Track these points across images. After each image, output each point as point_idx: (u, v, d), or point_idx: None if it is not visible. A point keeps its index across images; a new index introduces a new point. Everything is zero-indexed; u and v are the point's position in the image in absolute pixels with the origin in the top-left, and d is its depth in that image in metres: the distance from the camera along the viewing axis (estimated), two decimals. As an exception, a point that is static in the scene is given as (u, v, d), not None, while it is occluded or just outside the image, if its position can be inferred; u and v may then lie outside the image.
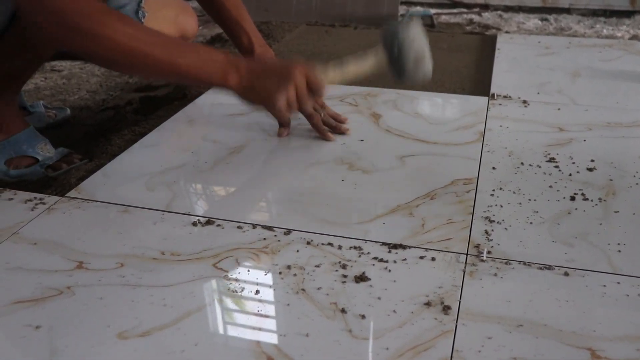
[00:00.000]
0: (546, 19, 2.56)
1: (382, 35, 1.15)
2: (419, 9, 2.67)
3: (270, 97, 1.06)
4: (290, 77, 1.06)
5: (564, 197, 1.07)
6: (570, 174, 1.15)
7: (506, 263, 0.90)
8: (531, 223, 1.00)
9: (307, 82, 1.08)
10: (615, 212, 1.03)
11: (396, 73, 1.16)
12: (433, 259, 0.91)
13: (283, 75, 1.06)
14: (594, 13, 2.64)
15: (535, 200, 1.07)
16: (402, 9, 2.60)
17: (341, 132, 1.33)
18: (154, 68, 0.99)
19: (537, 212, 1.03)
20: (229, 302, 0.83)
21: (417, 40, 1.13)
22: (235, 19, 1.35)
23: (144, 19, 1.32)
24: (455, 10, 2.69)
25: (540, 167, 1.18)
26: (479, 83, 1.70)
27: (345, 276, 0.87)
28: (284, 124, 1.34)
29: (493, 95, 1.56)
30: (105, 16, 0.93)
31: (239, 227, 0.99)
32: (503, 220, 1.01)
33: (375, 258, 0.91)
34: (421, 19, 1.12)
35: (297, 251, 0.93)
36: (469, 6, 2.73)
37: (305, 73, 1.08)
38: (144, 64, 0.98)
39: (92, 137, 1.40)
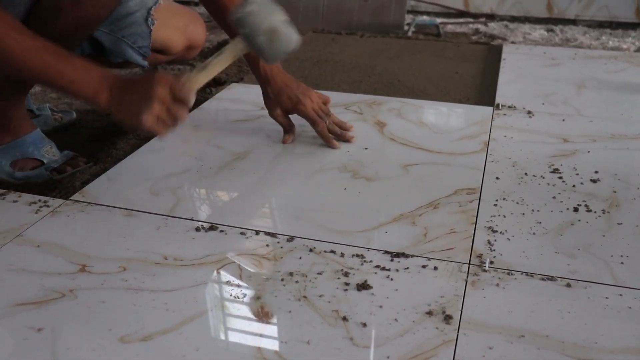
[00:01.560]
0: (552, 30, 2.57)
1: (234, 21, 1.08)
2: (425, 18, 2.67)
3: (137, 116, 0.99)
4: (151, 93, 0.99)
5: (568, 208, 1.07)
6: (574, 185, 1.15)
7: (508, 273, 0.90)
8: (534, 234, 1.00)
9: (172, 92, 1.01)
10: (618, 224, 1.03)
11: (260, 54, 1.10)
12: (435, 268, 0.91)
13: (144, 92, 0.99)
14: (600, 24, 2.64)
15: (538, 211, 1.07)
16: (408, 18, 2.60)
17: (346, 140, 1.33)
18: (28, 72, 0.97)
19: (540, 222, 1.03)
20: (231, 308, 0.83)
21: (263, 15, 1.06)
22: (227, 7, 1.32)
23: (152, 26, 1.33)
24: (461, 20, 2.70)
25: (544, 177, 1.18)
26: (484, 93, 1.70)
27: (347, 284, 0.87)
28: (285, 131, 1.34)
29: (498, 105, 1.56)
30: None
31: (242, 233, 0.99)
32: (506, 230, 1.01)
33: (377, 266, 0.91)
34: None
35: (300, 258, 0.93)
36: (475, 16, 2.74)
37: (168, 84, 1.01)
38: (19, 66, 0.96)
39: (98, 141, 1.40)
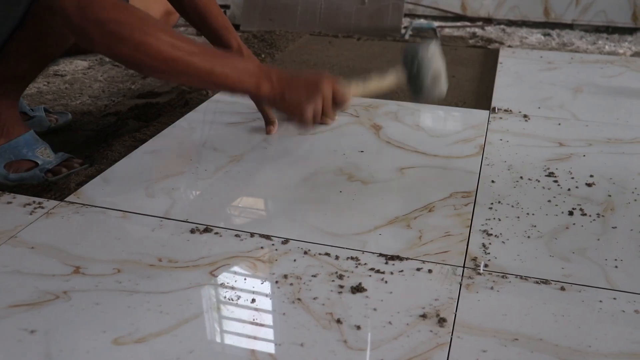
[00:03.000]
0: (549, 34, 2.57)
1: (403, 53, 1.21)
2: (422, 21, 2.68)
3: (299, 107, 1.08)
4: (319, 89, 1.09)
5: (563, 212, 1.08)
6: (569, 189, 1.16)
7: (503, 277, 0.90)
8: (529, 237, 1.00)
9: (334, 95, 1.11)
10: (613, 228, 1.03)
11: (414, 90, 1.22)
12: (430, 271, 0.91)
13: (312, 87, 1.09)
14: (597, 29, 2.65)
15: (533, 214, 1.07)
16: (405, 21, 2.61)
17: (325, 123, 1.42)
18: (194, 76, 1.02)
19: (535, 226, 1.03)
20: (225, 310, 0.83)
21: (435, 61, 1.19)
22: (222, 25, 1.37)
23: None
24: (458, 24, 2.70)
25: (539, 181, 1.18)
26: (480, 96, 1.70)
27: (341, 287, 0.87)
28: (269, 122, 1.40)
29: (494, 109, 1.56)
30: (147, 26, 0.97)
31: (236, 236, 0.99)
32: (501, 233, 1.01)
33: (372, 269, 0.91)
34: (439, 41, 1.20)
35: (295, 260, 0.93)
36: (472, 20, 2.75)
37: (333, 86, 1.11)
38: (185, 72, 1.01)
39: (93, 143, 1.40)
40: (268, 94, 1.08)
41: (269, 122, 1.41)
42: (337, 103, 1.13)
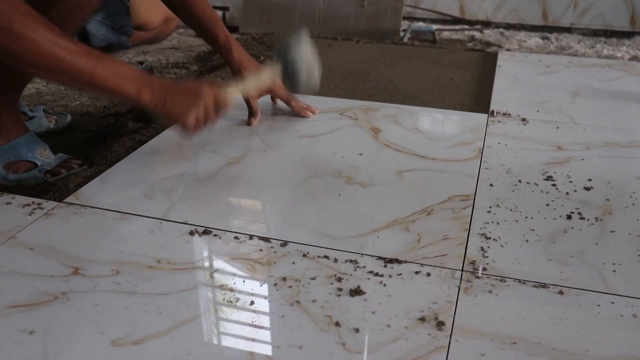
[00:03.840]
0: (547, 38, 2.58)
1: (276, 51, 1.28)
2: (421, 24, 2.68)
3: (181, 115, 1.10)
4: (199, 96, 1.11)
5: (561, 216, 1.08)
6: (567, 193, 1.16)
7: (501, 280, 0.90)
8: (527, 241, 1.00)
9: (215, 100, 1.13)
10: (611, 231, 1.04)
11: (290, 86, 1.31)
12: (428, 274, 0.91)
13: (193, 95, 1.11)
14: (595, 33, 2.65)
15: (531, 218, 1.07)
16: (404, 24, 2.61)
17: (313, 112, 1.52)
18: (74, 77, 1.01)
19: (534, 230, 1.03)
20: (224, 312, 0.83)
21: (307, 59, 1.26)
22: (209, 17, 1.39)
23: (129, 3, 1.34)
24: (457, 27, 2.71)
25: (537, 185, 1.19)
26: (479, 100, 1.70)
27: (340, 289, 0.87)
28: (252, 114, 1.46)
29: (493, 112, 1.57)
30: (29, 19, 0.95)
31: (235, 238, 1.00)
32: (499, 237, 1.01)
33: (370, 272, 0.91)
34: (308, 35, 1.30)
35: (293, 263, 0.93)
36: (470, 23, 2.75)
37: (213, 92, 1.13)
38: (65, 72, 0.99)
39: (92, 144, 1.40)
40: (149, 102, 1.08)
41: (251, 114, 1.46)
42: (219, 108, 1.15)
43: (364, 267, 0.92)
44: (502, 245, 0.99)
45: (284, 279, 0.89)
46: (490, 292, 0.87)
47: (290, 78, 1.26)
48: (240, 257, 0.95)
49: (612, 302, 0.86)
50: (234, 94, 1.21)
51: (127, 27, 1.38)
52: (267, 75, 1.27)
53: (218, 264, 0.93)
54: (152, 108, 1.09)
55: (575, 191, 1.17)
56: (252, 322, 0.81)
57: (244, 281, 0.89)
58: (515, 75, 1.90)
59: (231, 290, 0.87)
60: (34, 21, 0.96)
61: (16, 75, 1.21)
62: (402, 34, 2.48)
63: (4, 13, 0.93)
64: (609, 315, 0.83)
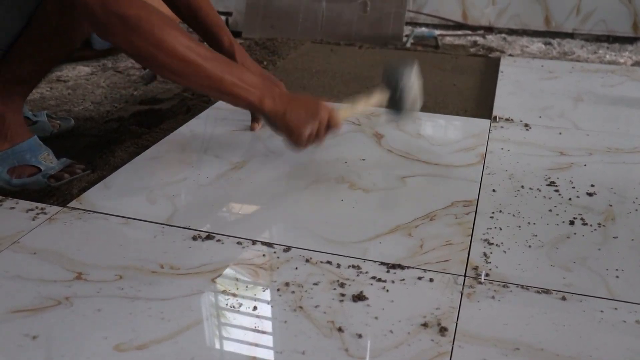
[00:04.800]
0: (550, 43, 2.58)
1: (385, 75, 1.29)
2: (423, 29, 2.68)
3: (298, 127, 1.13)
4: (317, 113, 1.15)
5: (563, 222, 1.08)
6: (570, 199, 1.16)
7: (504, 286, 0.90)
8: (530, 246, 1.00)
9: (329, 119, 1.16)
10: (614, 237, 1.03)
11: (393, 111, 1.29)
12: (431, 280, 0.91)
13: (312, 110, 1.15)
14: (597, 38, 2.65)
15: (534, 223, 1.07)
16: (407, 30, 2.62)
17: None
18: (204, 81, 1.06)
19: (536, 235, 1.03)
20: (227, 318, 0.83)
21: (415, 87, 1.28)
22: (214, 21, 1.40)
23: None
24: (459, 32, 2.71)
25: (540, 190, 1.19)
26: (481, 105, 1.70)
27: (343, 295, 0.87)
28: (255, 119, 1.46)
29: (495, 117, 1.57)
30: (167, 25, 1.01)
31: (238, 243, 1.00)
32: (502, 243, 1.01)
33: (373, 277, 0.91)
34: (418, 69, 1.31)
35: (296, 268, 0.93)
36: (473, 28, 2.75)
37: (329, 111, 1.17)
38: (196, 75, 1.05)
39: (96, 149, 1.40)
40: (270, 110, 1.12)
41: (254, 120, 1.46)
42: (330, 127, 1.17)
43: (366, 272, 0.92)
44: (504, 251, 0.99)
45: (287, 284, 0.89)
46: (493, 297, 0.87)
47: (395, 103, 1.27)
48: (243, 263, 0.95)
49: (615, 308, 0.86)
50: (347, 114, 1.26)
51: None
52: (375, 99, 1.28)
53: (221, 269, 0.93)
54: (272, 116, 1.13)
55: (577, 197, 1.17)
56: (255, 327, 0.81)
57: (246, 286, 0.89)
58: (518, 81, 1.90)
59: (234, 295, 0.87)
60: (171, 27, 1.01)
61: (23, 80, 1.22)
62: (404, 39, 2.48)
63: (145, 19, 0.98)
64: (611, 321, 0.83)
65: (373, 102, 1.28)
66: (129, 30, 0.98)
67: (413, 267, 0.94)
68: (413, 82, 1.27)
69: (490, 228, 1.05)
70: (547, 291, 0.89)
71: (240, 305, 0.85)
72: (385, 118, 1.49)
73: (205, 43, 1.39)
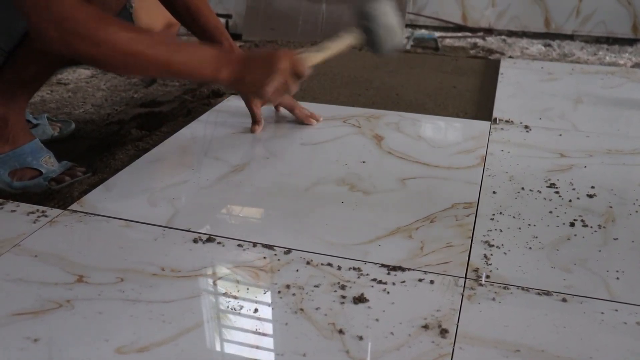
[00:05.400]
0: (549, 45, 2.58)
1: (354, 13, 1.24)
2: (423, 32, 2.69)
3: (260, 88, 1.11)
4: (277, 65, 1.12)
5: (564, 223, 1.08)
6: (570, 200, 1.16)
7: (504, 288, 0.90)
8: (530, 248, 1.00)
9: (292, 67, 1.13)
10: (614, 239, 1.04)
11: (371, 46, 1.25)
12: (432, 282, 0.91)
13: (270, 64, 1.12)
14: (597, 40, 2.66)
15: (534, 225, 1.07)
16: (407, 32, 2.62)
17: (317, 119, 1.52)
18: (152, 67, 1.05)
19: (537, 237, 1.03)
20: (228, 320, 0.83)
21: (386, 14, 1.22)
22: (214, 25, 1.39)
23: (132, 9, 1.34)
24: (459, 34, 2.71)
25: (540, 192, 1.19)
26: (481, 107, 1.71)
27: (344, 297, 0.87)
28: (255, 121, 1.45)
29: (495, 119, 1.57)
30: (104, 22, 0.99)
31: (239, 245, 1.00)
32: (502, 244, 1.01)
33: (374, 279, 0.91)
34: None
35: (297, 271, 0.93)
36: (473, 30, 2.76)
37: (290, 60, 1.13)
38: (143, 64, 1.03)
39: (96, 151, 1.41)
40: (228, 79, 1.10)
41: (254, 122, 1.46)
42: (296, 75, 1.15)
43: (367, 274, 0.92)
44: (505, 253, 0.99)
45: (288, 286, 0.89)
46: (493, 299, 0.87)
47: (372, 45, 1.24)
48: (244, 265, 0.95)
49: (616, 310, 0.86)
50: (312, 59, 1.19)
51: None
52: (345, 41, 1.24)
53: (222, 271, 0.93)
54: (232, 85, 1.12)
55: (578, 198, 1.17)
56: (256, 329, 0.81)
57: (247, 289, 0.89)
58: (518, 83, 1.90)
59: (235, 297, 0.87)
60: (107, 23, 0.99)
61: (26, 82, 1.22)
62: (404, 41, 2.49)
63: (82, 22, 0.97)
64: (612, 322, 0.83)
65: (342, 44, 1.24)
66: (66, 34, 0.96)
67: (414, 269, 0.94)
68: (387, 19, 1.22)
69: (491, 230, 1.05)
70: (547, 293, 0.89)
71: (241, 307, 0.85)
72: (385, 120, 1.49)
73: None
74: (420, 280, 0.91)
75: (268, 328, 0.81)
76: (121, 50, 0.99)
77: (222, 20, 2.71)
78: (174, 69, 1.06)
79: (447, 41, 2.61)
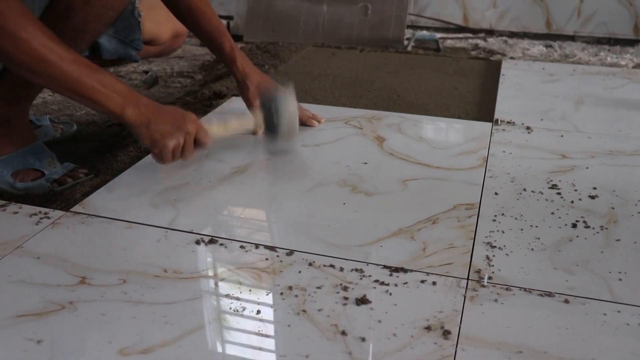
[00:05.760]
0: (551, 46, 2.58)
1: (262, 104, 1.29)
2: (424, 32, 2.69)
3: (162, 139, 1.09)
4: (184, 125, 1.12)
5: (566, 224, 1.08)
6: (572, 201, 1.16)
7: (507, 289, 0.90)
8: (532, 249, 1.00)
9: (196, 134, 1.14)
10: (616, 240, 1.04)
11: (270, 137, 1.30)
12: (434, 283, 0.91)
13: (178, 122, 1.11)
14: (598, 41, 2.66)
15: (536, 226, 1.07)
16: (408, 33, 2.62)
17: (319, 121, 1.53)
18: (60, 81, 1.01)
19: (539, 238, 1.03)
20: (230, 321, 0.83)
21: (291, 116, 1.27)
22: (215, 27, 1.39)
23: (140, 18, 1.34)
24: (460, 35, 2.71)
25: (542, 193, 1.19)
26: (483, 108, 1.71)
27: (346, 298, 0.87)
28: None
29: (497, 120, 1.57)
30: (24, 20, 0.96)
31: (241, 247, 1.00)
32: (504, 246, 1.01)
33: (376, 281, 0.91)
34: (294, 92, 1.31)
35: (299, 272, 0.93)
36: (474, 31, 2.76)
37: (197, 125, 1.14)
38: (51, 74, 1.00)
39: (98, 153, 1.41)
40: (132, 119, 1.07)
41: (258, 124, 1.44)
42: (198, 142, 1.15)
43: (369, 276, 0.92)
44: (507, 254, 0.99)
45: (290, 288, 0.89)
46: (496, 300, 0.87)
47: (272, 127, 1.27)
48: (246, 266, 0.95)
49: (618, 311, 0.86)
50: (218, 132, 1.24)
51: (137, 41, 1.40)
52: (250, 122, 1.30)
53: (224, 273, 0.93)
54: (135, 125, 1.08)
55: (580, 199, 1.17)
56: (259, 331, 0.81)
57: (250, 290, 0.89)
58: (519, 84, 1.90)
59: (237, 299, 0.87)
60: (29, 23, 0.97)
61: (29, 83, 1.22)
62: (406, 42, 2.49)
63: (7, 16, 0.94)
64: (615, 324, 0.83)
65: (246, 125, 1.30)
66: None
67: (416, 271, 0.94)
68: (287, 108, 1.26)
69: (493, 231, 1.05)
70: (550, 294, 0.89)
71: (244, 309, 0.85)
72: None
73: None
74: (422, 281, 0.91)
75: (270, 329, 0.81)
76: (35, 53, 0.97)
77: (224, 21, 2.71)
78: (81, 91, 1.01)
79: (449, 42, 2.61)
